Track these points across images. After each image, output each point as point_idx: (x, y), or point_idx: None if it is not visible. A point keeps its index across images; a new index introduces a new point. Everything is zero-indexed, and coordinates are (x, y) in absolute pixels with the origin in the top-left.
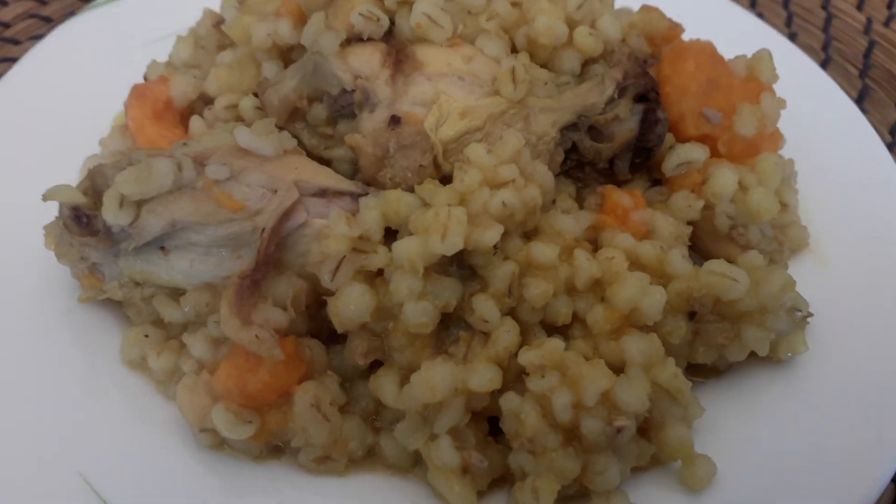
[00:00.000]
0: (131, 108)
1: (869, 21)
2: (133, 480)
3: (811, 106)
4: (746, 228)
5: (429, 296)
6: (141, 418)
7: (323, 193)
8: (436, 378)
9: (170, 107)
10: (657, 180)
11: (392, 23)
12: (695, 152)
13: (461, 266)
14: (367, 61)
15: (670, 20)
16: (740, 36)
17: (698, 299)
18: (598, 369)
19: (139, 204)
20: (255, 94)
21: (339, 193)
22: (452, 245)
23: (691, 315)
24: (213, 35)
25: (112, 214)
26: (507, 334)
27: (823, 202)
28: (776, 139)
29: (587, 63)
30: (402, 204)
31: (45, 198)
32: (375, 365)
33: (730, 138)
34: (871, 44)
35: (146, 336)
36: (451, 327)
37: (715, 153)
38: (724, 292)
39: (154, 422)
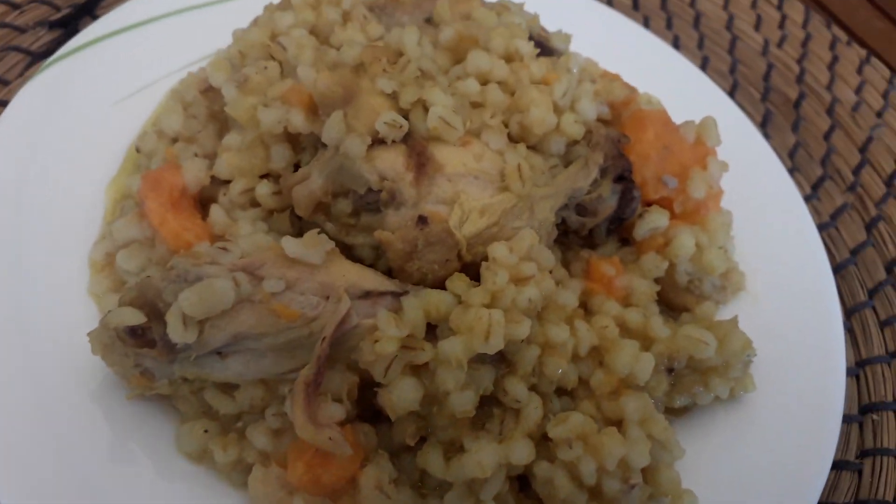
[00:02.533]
0: (148, 200)
1: (766, 42)
2: None
3: (732, 145)
4: (701, 281)
5: (470, 385)
6: None
7: (367, 295)
8: (484, 457)
9: (185, 194)
10: (624, 239)
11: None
12: (660, 219)
13: (493, 354)
14: (392, 164)
15: (627, 86)
16: (662, 71)
17: (676, 358)
18: (613, 438)
19: (202, 322)
20: (267, 177)
21: (382, 294)
22: (495, 345)
23: (670, 370)
24: (202, 103)
25: (178, 334)
26: (535, 410)
27: (748, 243)
28: (719, 195)
29: (570, 144)
30: (442, 303)
31: (107, 323)
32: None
33: (683, 200)
34: (770, 66)
35: (206, 431)
36: (484, 405)
37: (671, 213)
38: (697, 353)
39: None
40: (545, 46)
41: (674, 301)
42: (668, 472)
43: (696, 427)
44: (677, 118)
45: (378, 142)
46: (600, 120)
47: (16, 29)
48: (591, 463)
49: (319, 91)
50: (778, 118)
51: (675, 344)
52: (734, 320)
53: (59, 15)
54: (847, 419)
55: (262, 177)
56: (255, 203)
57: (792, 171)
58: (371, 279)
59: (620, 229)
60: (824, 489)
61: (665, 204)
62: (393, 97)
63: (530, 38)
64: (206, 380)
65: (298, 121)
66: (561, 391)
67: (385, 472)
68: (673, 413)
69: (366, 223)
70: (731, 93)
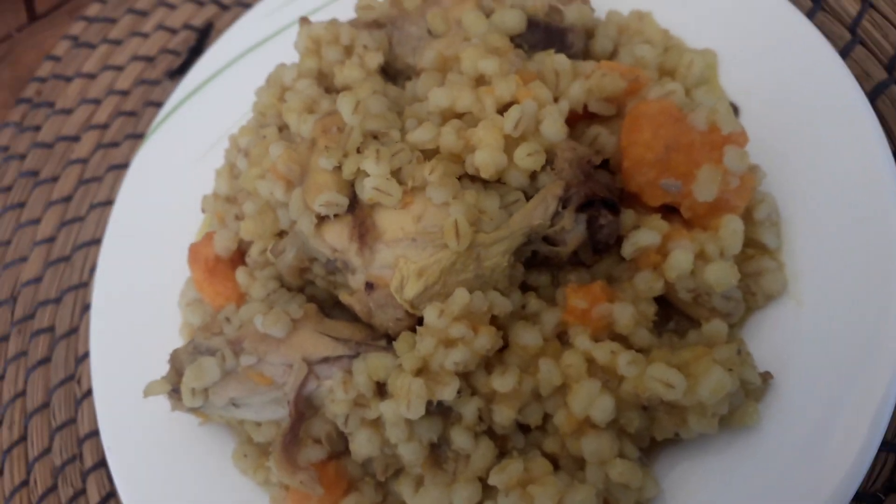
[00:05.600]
0: (193, 270)
1: None
2: None
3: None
4: (710, 296)
5: (415, 437)
6: None
7: (326, 360)
8: (427, 500)
9: (220, 261)
10: None
11: (353, 189)
12: (647, 237)
13: (440, 404)
14: (339, 237)
15: (630, 72)
16: None
17: (646, 398)
18: (546, 487)
19: (206, 390)
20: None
21: (338, 357)
22: (416, 412)
23: (644, 408)
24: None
25: (189, 401)
26: (481, 457)
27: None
28: (745, 190)
29: (535, 173)
30: (382, 368)
31: (145, 394)
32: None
33: (692, 203)
34: None
35: (245, 455)
36: (442, 446)
37: (681, 219)
38: (663, 395)
39: None
40: (552, 28)
41: (688, 313)
42: None
43: (692, 452)
44: None
45: (326, 217)
46: (601, 118)
47: (151, 83)
48: None
49: (281, 170)
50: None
51: (642, 384)
52: (708, 357)
53: (179, 61)
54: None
55: (279, 235)
56: (269, 264)
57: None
58: (327, 346)
59: (613, 247)
60: None
61: (673, 209)
62: (338, 170)
63: (530, 24)
64: (239, 419)
65: (280, 194)
66: (531, 427)
67: (366, 499)
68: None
69: (340, 281)
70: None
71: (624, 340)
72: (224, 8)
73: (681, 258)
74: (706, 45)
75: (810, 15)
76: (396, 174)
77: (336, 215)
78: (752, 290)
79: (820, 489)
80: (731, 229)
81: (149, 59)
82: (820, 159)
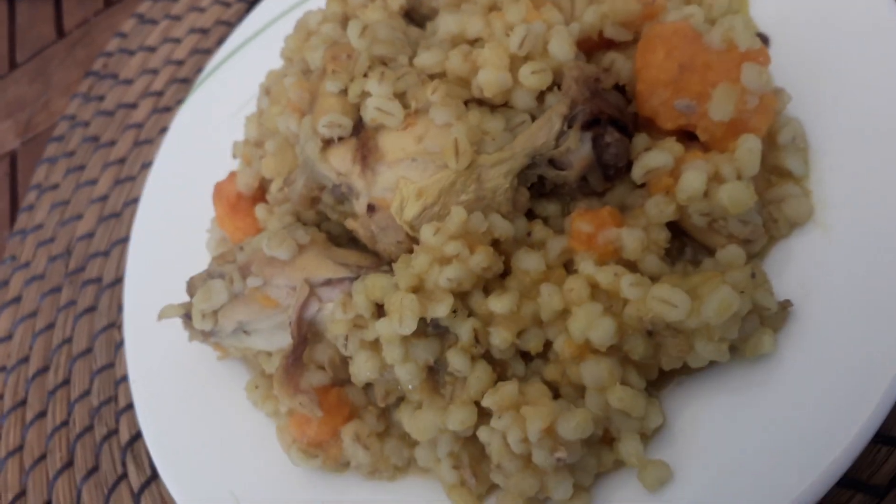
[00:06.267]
0: (216, 207)
1: None
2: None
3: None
4: (726, 220)
5: (411, 358)
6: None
7: (328, 282)
8: (420, 424)
9: (242, 198)
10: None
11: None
12: (658, 159)
13: (437, 326)
14: (342, 160)
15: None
16: None
17: (650, 320)
18: (539, 409)
19: (215, 312)
20: None
21: (341, 280)
22: (408, 327)
23: (649, 333)
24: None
25: (199, 324)
26: (477, 380)
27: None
28: (765, 111)
29: (543, 94)
30: (378, 287)
31: (159, 317)
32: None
33: (707, 125)
34: None
35: (256, 387)
36: (440, 371)
37: (698, 142)
38: (666, 316)
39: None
40: None
41: (703, 241)
42: (629, 442)
43: (706, 387)
44: None
45: (331, 141)
46: (617, 45)
47: (204, 52)
48: (516, 432)
49: (293, 99)
50: None
51: (645, 306)
52: (718, 279)
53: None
54: None
55: None
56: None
57: None
58: (328, 268)
59: (625, 173)
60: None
61: (689, 132)
62: (344, 94)
63: None
64: (252, 350)
65: (293, 125)
66: (529, 355)
67: (365, 426)
68: (685, 371)
69: (349, 210)
70: None
71: (633, 268)
72: None
73: (692, 178)
74: None
75: None
76: (402, 97)
77: (341, 139)
78: (773, 216)
79: (838, 430)
80: (748, 148)
81: (204, 31)
82: (854, 89)
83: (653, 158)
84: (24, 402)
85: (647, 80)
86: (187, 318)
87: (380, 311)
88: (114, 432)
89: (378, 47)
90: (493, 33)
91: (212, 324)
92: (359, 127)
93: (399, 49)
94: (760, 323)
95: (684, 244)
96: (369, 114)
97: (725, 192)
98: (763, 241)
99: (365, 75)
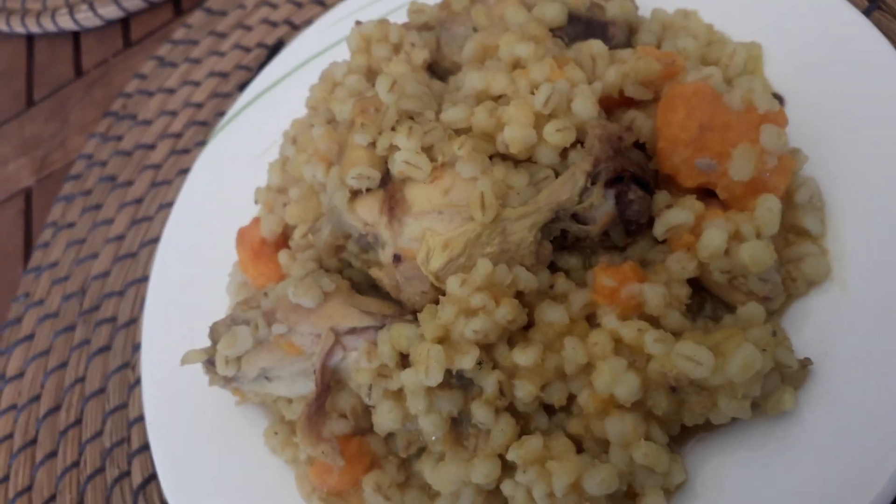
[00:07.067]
0: (239, 251)
1: None
2: None
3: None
4: (746, 278)
5: (435, 409)
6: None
7: (353, 330)
8: (443, 476)
9: (266, 243)
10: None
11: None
12: (680, 216)
13: (461, 378)
14: (370, 211)
15: (666, 56)
16: None
17: (674, 377)
18: (565, 464)
19: (239, 358)
20: None
21: (365, 329)
22: (434, 379)
23: (672, 388)
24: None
25: (223, 369)
26: (501, 433)
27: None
28: (784, 171)
29: (566, 150)
30: (403, 337)
31: (182, 362)
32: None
33: (728, 184)
34: None
35: (275, 433)
36: (463, 422)
37: (717, 199)
38: (690, 373)
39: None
40: (594, 22)
41: (724, 298)
42: (653, 498)
43: (728, 442)
44: None
45: (359, 192)
46: (638, 104)
47: (223, 96)
48: (541, 487)
49: (320, 149)
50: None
51: (669, 362)
52: (740, 336)
53: (250, 76)
54: None
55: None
56: (310, 246)
57: None
58: (354, 316)
59: (646, 229)
60: None
61: (709, 190)
62: (372, 146)
63: (571, 18)
64: (273, 396)
65: (320, 174)
66: (553, 408)
67: (387, 476)
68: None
69: (374, 259)
70: None
71: (655, 322)
72: (295, 27)
73: (714, 236)
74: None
75: (867, 13)
76: (428, 151)
77: (368, 190)
78: (792, 275)
79: (859, 489)
80: (768, 207)
81: (223, 75)
82: (867, 147)
83: (675, 216)
84: (34, 442)
85: (669, 139)
86: (209, 363)
87: (404, 360)
88: (126, 474)
89: (406, 102)
90: (518, 91)
91: (235, 369)
92: (386, 179)
93: (426, 104)
94: (781, 380)
95: (703, 300)
96: (397, 166)
97: (746, 250)
98: (781, 298)
99: (393, 129)
